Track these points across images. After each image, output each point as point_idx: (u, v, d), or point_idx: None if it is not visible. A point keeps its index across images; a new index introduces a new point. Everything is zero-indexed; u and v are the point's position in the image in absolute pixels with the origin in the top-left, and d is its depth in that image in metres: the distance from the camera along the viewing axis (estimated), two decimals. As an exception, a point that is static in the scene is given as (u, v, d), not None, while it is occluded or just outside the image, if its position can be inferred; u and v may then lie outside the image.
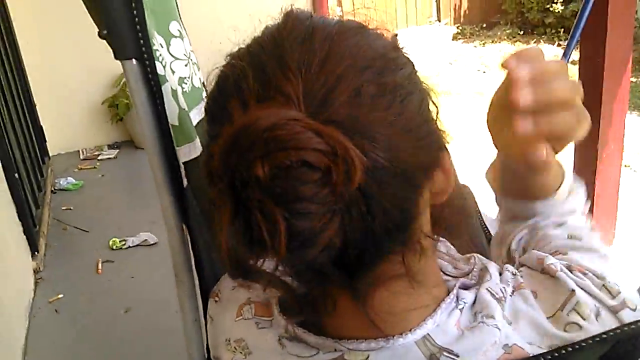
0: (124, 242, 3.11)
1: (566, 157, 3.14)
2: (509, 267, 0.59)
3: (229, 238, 0.41)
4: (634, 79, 4.84)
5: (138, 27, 0.99)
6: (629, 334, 0.50)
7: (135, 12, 0.98)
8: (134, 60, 1.01)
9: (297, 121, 0.39)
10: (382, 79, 0.44)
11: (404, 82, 0.46)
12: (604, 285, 0.56)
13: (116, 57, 1.04)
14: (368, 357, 0.50)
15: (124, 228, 3.23)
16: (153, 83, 1.03)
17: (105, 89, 4.61)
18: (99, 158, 4.54)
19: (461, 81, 5.48)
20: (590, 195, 2.43)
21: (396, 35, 0.51)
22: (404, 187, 0.45)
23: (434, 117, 0.51)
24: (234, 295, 0.63)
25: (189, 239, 1.17)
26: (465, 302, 0.53)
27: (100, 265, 2.94)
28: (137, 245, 3.09)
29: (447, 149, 0.51)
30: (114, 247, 3.08)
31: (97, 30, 1.03)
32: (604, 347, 0.50)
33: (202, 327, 1.11)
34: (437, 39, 6.02)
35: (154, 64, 1.06)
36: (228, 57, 0.49)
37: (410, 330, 0.50)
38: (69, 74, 4.51)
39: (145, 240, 3.10)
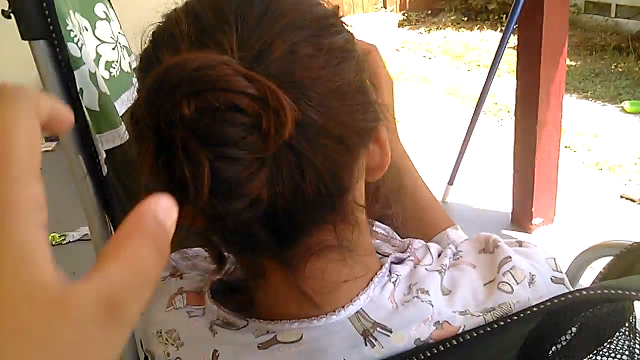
0: (63, 237, 3.00)
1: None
2: (451, 247, 0.58)
3: (150, 184, 0.39)
4: (573, 63, 4.96)
5: (44, 5, 0.96)
6: (560, 306, 0.49)
7: (40, -11, 0.95)
8: (41, 41, 0.98)
9: (229, 65, 0.37)
10: (318, 40, 0.43)
11: (341, 47, 0.45)
12: (548, 259, 0.56)
13: (23, 38, 1.01)
14: (302, 336, 0.48)
15: (63, 222, 3.09)
16: (63, 64, 1.00)
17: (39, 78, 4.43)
18: (35, 151, 4.37)
19: (407, 67, 5.51)
20: (531, 175, 2.49)
21: (337, 7, 0.50)
22: (338, 150, 0.44)
23: (371, 91, 0.49)
24: (164, 286, 0.60)
25: (112, 230, 1.12)
26: (398, 275, 0.52)
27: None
28: (78, 240, 2.98)
29: (383, 124, 0.50)
30: (54, 243, 2.97)
31: (2, 9, 0.99)
32: (534, 320, 0.50)
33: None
34: (383, 26, 6.04)
35: (64, 45, 1.02)
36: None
37: (343, 307, 0.49)
38: (0, 62, 4.30)
39: (87, 234, 2.98)
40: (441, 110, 4.41)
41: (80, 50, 1.10)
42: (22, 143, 0.23)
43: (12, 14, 0.97)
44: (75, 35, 1.10)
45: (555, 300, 0.49)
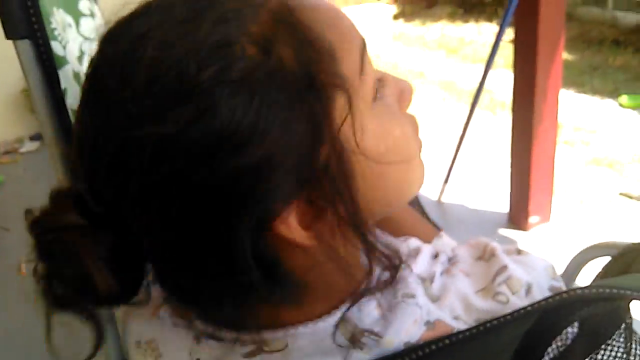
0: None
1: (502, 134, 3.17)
2: (447, 251, 0.58)
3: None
4: (570, 57, 4.94)
5: (29, 3, 0.94)
6: (554, 305, 0.48)
7: (25, -11, 0.93)
8: (25, 40, 0.97)
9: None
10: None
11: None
12: (546, 267, 0.55)
13: (7, 37, 1.01)
14: (287, 344, 0.48)
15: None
16: (48, 64, 0.99)
17: (23, 77, 4.38)
18: (20, 151, 4.35)
19: (402, 61, 5.49)
20: (527, 172, 2.47)
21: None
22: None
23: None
24: (149, 296, 0.58)
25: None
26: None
27: (23, 265, 2.80)
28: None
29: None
30: (39, 246, 2.96)
31: None
32: (530, 320, 0.49)
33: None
34: (377, 18, 6.00)
35: (49, 44, 1.01)
36: None
37: (329, 314, 0.48)
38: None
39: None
40: (436, 106, 4.38)
41: (64, 49, 1.09)
42: None
43: (-3, 14, 0.95)
44: (59, 34, 1.09)
45: (550, 300, 0.48)
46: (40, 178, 3.80)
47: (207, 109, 0.36)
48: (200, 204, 0.38)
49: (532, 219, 2.58)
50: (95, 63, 0.42)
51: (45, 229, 0.43)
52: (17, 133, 4.56)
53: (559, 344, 0.49)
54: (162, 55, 0.37)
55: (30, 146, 4.42)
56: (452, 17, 6.78)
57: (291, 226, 0.41)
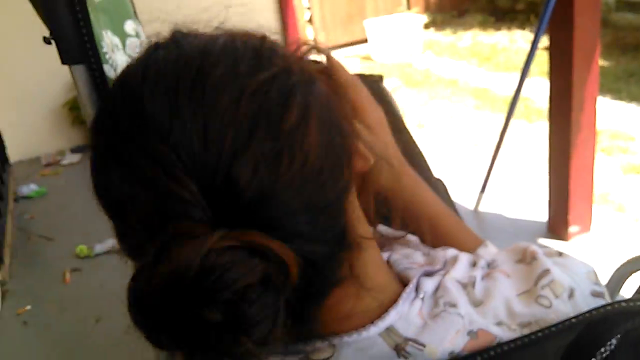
0: (91, 250, 3.01)
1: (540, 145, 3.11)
2: (486, 257, 0.59)
3: None
4: (605, 63, 4.85)
5: (84, 31, 1.00)
6: (600, 317, 0.49)
7: (79, 15, 0.98)
8: (80, 65, 1.03)
9: (221, 250, 0.36)
10: (273, 128, 0.41)
11: (299, 117, 0.42)
12: (588, 272, 0.56)
13: (63, 62, 1.06)
14: (333, 354, 0.49)
15: (90, 235, 3.11)
16: (102, 87, 1.05)
17: (65, 91, 4.44)
18: (61, 163, 4.41)
19: (433, 71, 5.47)
20: (566, 182, 2.44)
21: (263, 37, 0.47)
22: (327, 226, 0.44)
23: (342, 125, 0.48)
24: None
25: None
26: (426, 291, 0.52)
27: (68, 274, 2.86)
28: (105, 252, 2.98)
29: (355, 149, 0.50)
30: (82, 255, 2.99)
31: (43, 36, 1.04)
32: (574, 332, 0.49)
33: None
34: (408, 28, 5.98)
35: (102, 67, 1.06)
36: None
37: (373, 323, 0.49)
38: (27, 77, 4.33)
39: (114, 246, 3.00)
40: (469, 114, 4.35)
41: (115, 71, 1.14)
42: None
43: (52, 40, 0.99)
44: (110, 57, 1.13)
45: (594, 312, 0.49)
46: (81, 189, 3.94)
47: (284, 69, 0.44)
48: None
49: (572, 229, 2.53)
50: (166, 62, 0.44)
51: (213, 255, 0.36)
52: (58, 146, 4.66)
53: (602, 355, 0.49)
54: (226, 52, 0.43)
55: (71, 158, 4.49)
56: (483, 25, 6.71)
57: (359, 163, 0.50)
